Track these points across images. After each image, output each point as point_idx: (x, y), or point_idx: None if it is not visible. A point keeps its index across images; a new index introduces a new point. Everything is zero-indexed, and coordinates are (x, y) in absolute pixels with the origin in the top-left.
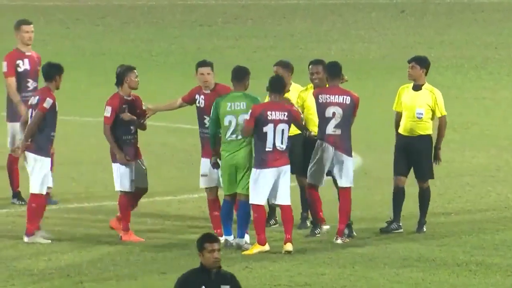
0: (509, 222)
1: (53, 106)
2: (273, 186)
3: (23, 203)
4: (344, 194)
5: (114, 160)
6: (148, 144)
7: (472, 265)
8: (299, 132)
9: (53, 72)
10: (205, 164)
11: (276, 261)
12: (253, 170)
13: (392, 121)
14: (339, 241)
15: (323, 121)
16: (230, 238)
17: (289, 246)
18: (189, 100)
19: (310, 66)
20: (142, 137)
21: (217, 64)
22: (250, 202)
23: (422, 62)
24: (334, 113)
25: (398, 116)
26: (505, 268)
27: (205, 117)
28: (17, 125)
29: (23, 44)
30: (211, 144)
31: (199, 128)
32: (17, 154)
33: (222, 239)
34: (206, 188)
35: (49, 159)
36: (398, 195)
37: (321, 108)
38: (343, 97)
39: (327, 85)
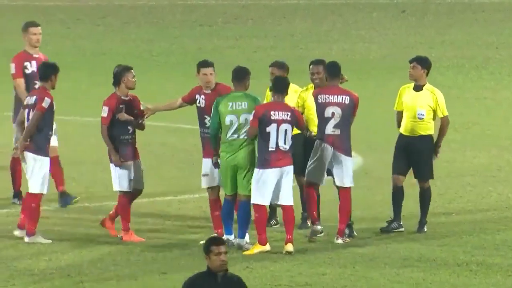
0: (510, 222)
1: (51, 105)
2: (275, 186)
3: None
4: (344, 194)
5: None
6: (148, 144)
7: (473, 265)
8: (299, 131)
9: (49, 71)
10: (206, 164)
11: (277, 261)
12: (256, 170)
13: (392, 121)
14: (339, 241)
15: (322, 121)
16: (231, 237)
17: (290, 247)
18: (189, 100)
19: (310, 66)
20: (142, 137)
21: (218, 64)
22: (252, 202)
23: (423, 62)
24: (333, 113)
25: (399, 115)
26: (506, 268)
27: (206, 117)
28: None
29: (30, 46)
30: (212, 144)
31: (199, 128)
32: (16, 155)
33: (226, 237)
34: (207, 188)
35: (48, 159)
36: (397, 194)
37: (320, 108)
38: (342, 97)
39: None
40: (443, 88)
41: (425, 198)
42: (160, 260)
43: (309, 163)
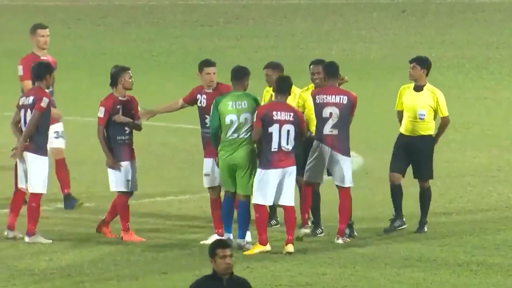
0: (510, 222)
1: (49, 105)
2: (277, 186)
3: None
4: (343, 194)
5: None
6: (149, 144)
7: (473, 265)
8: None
9: (43, 71)
10: (207, 164)
11: (277, 261)
12: (258, 170)
13: (393, 121)
14: (340, 241)
15: (320, 121)
16: (231, 236)
17: (290, 247)
18: (190, 101)
19: (311, 66)
20: (143, 137)
21: (219, 64)
22: (253, 202)
23: (423, 63)
24: (331, 113)
25: (400, 115)
26: (506, 268)
27: (207, 116)
28: None
29: (38, 48)
30: (213, 143)
31: (201, 128)
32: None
33: (226, 235)
34: (209, 187)
35: (47, 158)
36: (395, 192)
37: (318, 108)
38: (340, 97)
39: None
40: (443, 88)
41: (425, 198)
42: (160, 260)
43: (307, 163)
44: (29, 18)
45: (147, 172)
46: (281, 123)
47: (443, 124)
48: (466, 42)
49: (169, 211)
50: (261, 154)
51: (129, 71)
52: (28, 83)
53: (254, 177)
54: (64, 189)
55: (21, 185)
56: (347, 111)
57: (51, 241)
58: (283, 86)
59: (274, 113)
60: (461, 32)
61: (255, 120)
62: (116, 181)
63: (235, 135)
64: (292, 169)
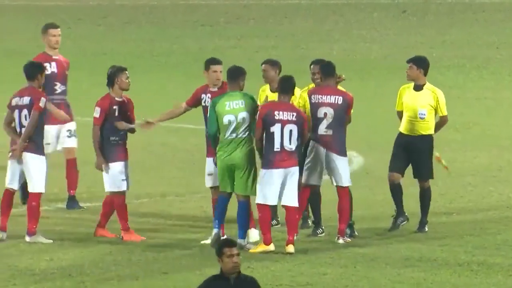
0: (511, 222)
1: (45, 104)
2: (280, 187)
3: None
4: (342, 193)
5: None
6: (149, 144)
7: (473, 265)
8: None
9: (35, 71)
10: (210, 163)
11: (278, 261)
12: (261, 170)
13: (393, 121)
14: (340, 241)
15: (315, 121)
16: (219, 231)
17: (291, 248)
18: (194, 103)
19: (311, 66)
20: (143, 137)
21: None
22: (256, 202)
23: (418, 62)
24: (325, 114)
25: (401, 115)
26: (506, 268)
27: None
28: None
29: (50, 48)
30: (212, 144)
31: (205, 128)
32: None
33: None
34: (211, 187)
35: (45, 157)
36: (395, 190)
37: (313, 108)
38: (335, 97)
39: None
40: (443, 88)
41: (425, 197)
42: (161, 260)
43: (305, 164)
44: (29, 18)
45: (147, 172)
46: (283, 122)
47: (441, 123)
48: (466, 42)
49: (170, 211)
50: (263, 154)
51: (126, 72)
52: None
53: (253, 177)
54: (70, 190)
55: (10, 185)
56: (342, 112)
57: (51, 241)
58: (286, 86)
59: (276, 112)
60: (462, 32)
61: (256, 119)
62: (111, 181)
63: (234, 135)
64: (295, 170)
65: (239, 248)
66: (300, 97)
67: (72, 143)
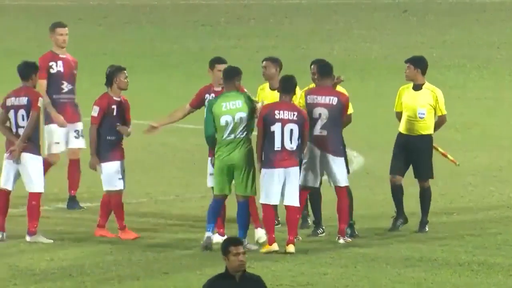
0: (511, 222)
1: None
2: (282, 186)
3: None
4: (340, 193)
5: (101, 160)
6: (149, 144)
7: (474, 265)
8: None
9: (29, 71)
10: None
11: (278, 261)
12: (262, 170)
13: (394, 120)
14: (341, 241)
15: (311, 122)
16: (211, 235)
17: (291, 248)
18: (198, 104)
19: (311, 66)
20: (143, 137)
21: None
22: (260, 201)
23: (416, 62)
24: (320, 114)
25: (399, 116)
26: (507, 268)
27: None
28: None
29: (57, 47)
30: (210, 145)
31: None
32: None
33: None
34: (212, 187)
35: (41, 157)
36: (397, 192)
37: (309, 108)
38: (330, 98)
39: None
40: (444, 88)
41: (425, 197)
42: (161, 260)
43: (302, 165)
44: (29, 18)
45: (147, 172)
46: (284, 122)
47: (440, 122)
48: (467, 42)
49: (170, 211)
50: (264, 154)
51: (125, 71)
52: (43, 82)
53: (252, 177)
54: (71, 190)
55: (5, 185)
56: (337, 112)
57: (52, 241)
58: (287, 86)
59: (277, 112)
60: (462, 32)
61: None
62: (107, 180)
63: (232, 135)
64: (295, 170)
65: None
66: (300, 97)
67: (80, 143)
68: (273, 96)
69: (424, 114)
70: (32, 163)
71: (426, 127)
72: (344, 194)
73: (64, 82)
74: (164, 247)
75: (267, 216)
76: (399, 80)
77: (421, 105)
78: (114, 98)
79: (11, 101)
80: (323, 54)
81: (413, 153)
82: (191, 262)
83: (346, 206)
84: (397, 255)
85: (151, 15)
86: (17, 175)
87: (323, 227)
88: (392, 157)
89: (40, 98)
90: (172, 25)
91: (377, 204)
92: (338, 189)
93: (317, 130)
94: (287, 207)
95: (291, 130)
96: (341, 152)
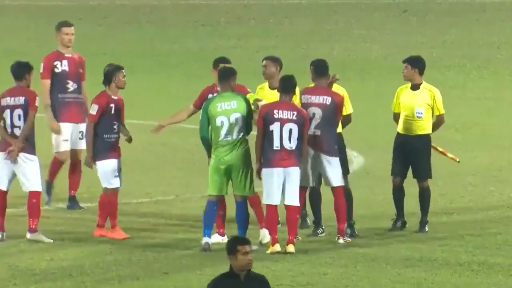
0: (511, 222)
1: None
2: (282, 186)
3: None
4: (336, 193)
5: (97, 158)
6: (150, 144)
7: (474, 265)
8: None
9: (23, 71)
10: None
11: (278, 261)
12: (263, 169)
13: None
14: (341, 240)
15: None
16: (210, 240)
17: (291, 248)
18: (201, 104)
19: (311, 67)
20: (144, 137)
21: None
22: (262, 202)
23: (413, 62)
24: (314, 114)
25: (397, 116)
26: (507, 268)
27: None
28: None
29: (63, 46)
30: (205, 147)
31: None
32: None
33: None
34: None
35: (37, 157)
36: (398, 193)
37: (304, 107)
38: (324, 98)
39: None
40: (444, 88)
41: (424, 197)
42: (161, 260)
43: None
44: (30, 18)
45: (147, 172)
46: (283, 121)
47: (438, 122)
48: (467, 42)
49: (170, 211)
50: (263, 153)
51: (123, 70)
52: (46, 82)
53: (250, 178)
54: (71, 190)
55: (0, 186)
56: (331, 112)
57: (52, 240)
58: (287, 86)
59: (276, 111)
60: (462, 32)
61: (257, 118)
62: (104, 178)
63: (229, 137)
64: (294, 169)
65: None
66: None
67: (84, 145)
68: (273, 96)
69: (422, 113)
70: (29, 162)
71: (424, 127)
72: (340, 194)
73: (69, 81)
74: (164, 247)
75: (270, 217)
76: (399, 80)
77: (418, 104)
78: (112, 96)
79: (6, 101)
80: (323, 54)
81: (411, 153)
82: (191, 262)
83: (343, 206)
84: (397, 255)
85: (151, 15)
86: (13, 176)
87: (323, 227)
88: (393, 159)
89: (37, 98)
90: (172, 25)
91: (377, 204)
92: (333, 189)
93: (311, 130)
94: (287, 207)
95: (290, 130)
96: (335, 151)
